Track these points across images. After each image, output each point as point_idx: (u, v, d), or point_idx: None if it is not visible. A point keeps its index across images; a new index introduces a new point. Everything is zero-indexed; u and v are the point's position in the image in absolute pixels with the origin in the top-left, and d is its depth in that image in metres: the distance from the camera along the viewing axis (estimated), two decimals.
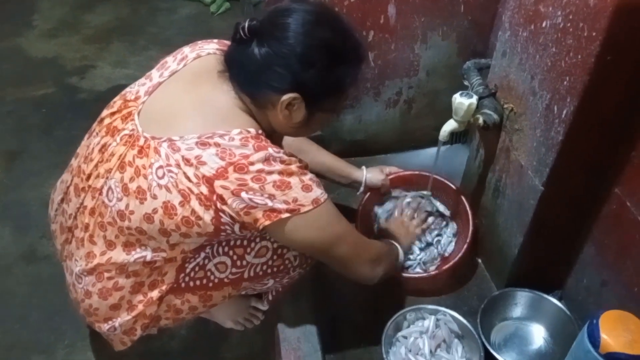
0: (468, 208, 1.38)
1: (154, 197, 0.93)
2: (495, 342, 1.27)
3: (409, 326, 1.25)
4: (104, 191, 0.99)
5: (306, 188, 0.93)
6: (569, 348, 1.14)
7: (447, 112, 1.74)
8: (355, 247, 1.06)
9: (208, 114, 0.94)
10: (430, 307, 1.27)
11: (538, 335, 1.28)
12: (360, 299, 1.36)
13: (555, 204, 1.13)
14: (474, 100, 1.17)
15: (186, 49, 1.05)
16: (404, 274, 1.31)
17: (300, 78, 0.91)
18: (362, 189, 1.44)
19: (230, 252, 1.06)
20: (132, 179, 0.95)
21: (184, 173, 0.90)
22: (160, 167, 0.92)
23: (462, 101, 1.17)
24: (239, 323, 1.35)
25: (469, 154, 1.47)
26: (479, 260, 1.47)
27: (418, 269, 1.36)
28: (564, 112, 0.99)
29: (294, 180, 0.91)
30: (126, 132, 0.98)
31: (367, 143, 1.76)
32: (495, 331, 1.29)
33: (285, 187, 0.91)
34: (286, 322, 1.24)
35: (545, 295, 1.26)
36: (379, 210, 1.49)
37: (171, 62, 1.04)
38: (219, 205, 0.90)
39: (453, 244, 1.42)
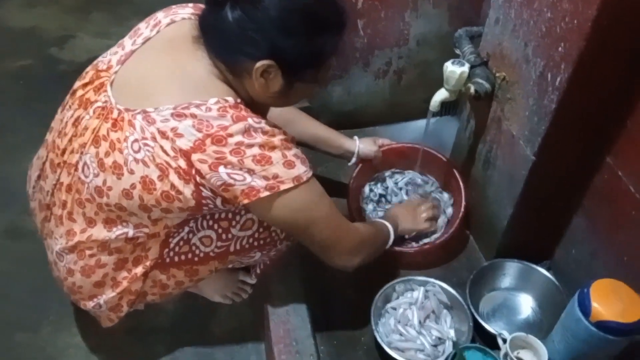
0: (460, 182, 1.36)
1: (131, 172, 0.89)
2: (484, 312, 1.27)
3: (398, 298, 1.25)
4: (80, 167, 0.95)
5: (288, 164, 0.89)
6: (557, 317, 1.14)
7: (437, 83, 1.71)
8: (336, 232, 1.01)
9: (183, 83, 0.90)
10: (419, 278, 1.26)
11: (526, 305, 1.28)
12: (350, 272, 1.35)
13: (547, 175, 1.12)
14: (465, 68, 1.14)
15: (159, 14, 1.00)
16: (396, 248, 1.29)
17: (276, 44, 0.86)
18: (354, 159, 1.41)
19: (215, 226, 1.03)
20: (107, 154, 0.91)
21: (161, 146, 0.86)
22: (136, 140, 0.88)
23: (453, 69, 1.14)
24: (227, 297, 1.34)
25: (459, 125, 1.44)
26: (468, 233, 1.46)
27: (413, 243, 1.35)
28: (558, 79, 0.96)
29: (275, 155, 0.88)
30: (99, 104, 0.94)
31: (356, 115, 1.73)
32: (484, 301, 1.29)
33: (266, 162, 0.87)
34: (275, 296, 1.22)
35: (534, 266, 1.26)
36: (367, 191, 1.47)
37: (144, 28, 0.99)
38: (198, 179, 0.87)
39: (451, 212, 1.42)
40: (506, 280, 1.29)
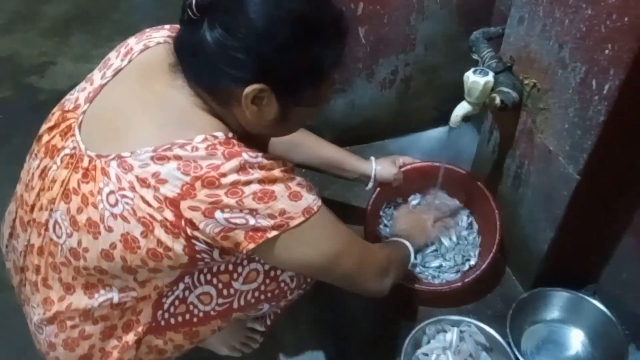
0: (495, 208, 1.20)
1: (109, 229, 0.75)
2: (527, 350, 1.13)
3: (429, 341, 1.10)
4: (50, 226, 0.81)
5: (294, 196, 0.75)
6: (611, 353, 1.00)
7: (447, 89, 1.58)
8: (360, 259, 0.90)
9: (163, 119, 0.75)
10: (451, 318, 1.11)
11: (575, 339, 1.13)
12: (368, 311, 1.21)
13: (593, 194, 0.97)
14: (490, 78, 0.99)
15: (131, 40, 0.86)
16: (423, 287, 1.15)
17: (266, 64, 0.71)
18: (371, 184, 1.25)
19: (214, 280, 0.89)
20: (79, 210, 0.77)
21: (141, 197, 0.72)
22: (112, 192, 0.73)
23: (476, 80, 0.99)
24: (235, 349, 1.19)
25: (479, 136, 1.30)
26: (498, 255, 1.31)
27: (435, 280, 1.20)
28: (606, 87, 0.82)
29: (278, 188, 0.74)
30: (67, 151, 0.79)
31: (362, 129, 1.58)
32: (526, 337, 1.14)
33: (269, 198, 0.73)
34: (287, 350, 1.09)
35: (583, 295, 1.12)
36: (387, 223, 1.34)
37: (114, 58, 0.84)
38: (189, 231, 0.73)
39: (476, 251, 1.26)
40: (550, 312, 1.15)
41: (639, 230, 1.02)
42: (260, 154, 0.74)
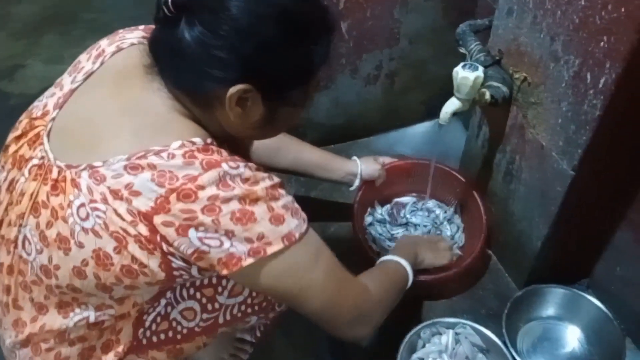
0: (479, 201, 1.19)
1: (80, 245, 0.70)
2: (523, 349, 1.10)
3: (424, 345, 1.07)
4: (19, 242, 0.76)
5: (276, 219, 0.69)
6: (608, 350, 0.98)
7: (434, 84, 1.55)
8: (334, 299, 0.78)
9: (138, 125, 0.70)
10: (446, 320, 1.08)
11: (572, 336, 1.11)
12: None
13: (588, 190, 0.95)
14: (480, 73, 0.96)
15: (103, 42, 0.80)
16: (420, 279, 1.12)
17: (251, 63, 0.67)
18: (357, 182, 1.23)
19: (198, 295, 0.84)
20: (49, 224, 0.71)
21: (114, 210, 0.67)
22: (82, 204, 0.68)
23: (466, 75, 0.95)
24: None
25: (468, 132, 1.27)
26: (490, 252, 1.28)
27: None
28: (602, 80, 0.79)
29: (259, 210, 0.68)
30: (35, 161, 0.73)
31: (348, 127, 1.54)
32: (522, 335, 1.12)
33: (248, 220, 0.67)
34: (279, 354, 1.05)
35: (579, 292, 1.10)
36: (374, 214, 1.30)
37: (85, 61, 0.79)
38: (165, 247, 0.68)
39: (462, 238, 1.24)
40: (546, 309, 1.13)
41: (635, 225, 1.00)
42: (242, 164, 0.69)
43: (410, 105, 1.57)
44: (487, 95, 1.00)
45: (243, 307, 0.89)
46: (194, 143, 0.68)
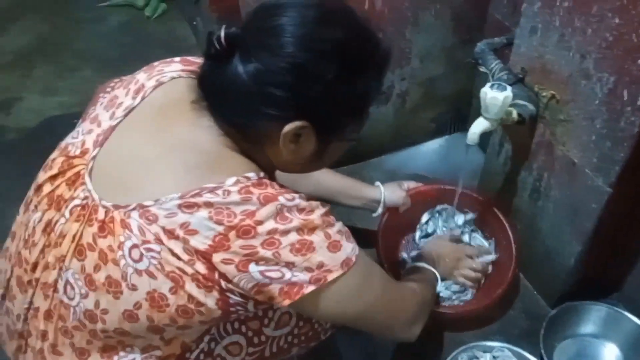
0: (508, 227, 1.16)
1: (133, 287, 0.67)
2: None
3: None
4: (60, 287, 0.72)
5: (334, 246, 0.69)
6: None
7: (443, 101, 1.55)
8: (393, 308, 0.83)
9: (189, 162, 0.68)
10: (482, 343, 1.06)
11: (609, 354, 1.10)
12: (392, 348, 1.14)
13: (624, 205, 0.94)
14: (509, 92, 0.95)
15: (140, 76, 0.78)
16: (447, 311, 1.10)
17: (307, 99, 0.66)
18: (380, 210, 1.20)
19: (243, 328, 0.81)
20: (97, 268, 0.68)
21: (170, 250, 0.65)
22: (135, 246, 0.66)
23: (495, 96, 0.94)
24: None
25: (488, 149, 1.26)
26: (518, 272, 1.27)
27: (455, 301, 1.15)
28: None
29: (317, 238, 0.67)
30: (77, 202, 0.70)
31: (359, 148, 1.52)
32: (557, 354, 1.10)
33: (307, 250, 0.67)
34: None
35: (617, 309, 1.09)
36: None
37: (123, 95, 0.76)
38: (223, 284, 0.66)
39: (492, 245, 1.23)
40: (581, 327, 1.11)
41: None
42: (296, 195, 0.68)
43: (420, 124, 1.56)
44: (515, 114, 0.99)
45: (290, 338, 0.86)
46: (248, 178, 0.66)
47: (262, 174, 0.68)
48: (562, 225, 1.06)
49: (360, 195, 1.19)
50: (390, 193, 1.20)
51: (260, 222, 0.64)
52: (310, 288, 0.67)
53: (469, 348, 1.05)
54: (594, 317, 1.10)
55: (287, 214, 0.65)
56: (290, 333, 0.86)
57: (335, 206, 1.36)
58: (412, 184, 1.26)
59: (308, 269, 0.67)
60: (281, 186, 0.69)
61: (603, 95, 0.85)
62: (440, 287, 1.09)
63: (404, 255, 1.26)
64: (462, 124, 1.60)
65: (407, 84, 1.43)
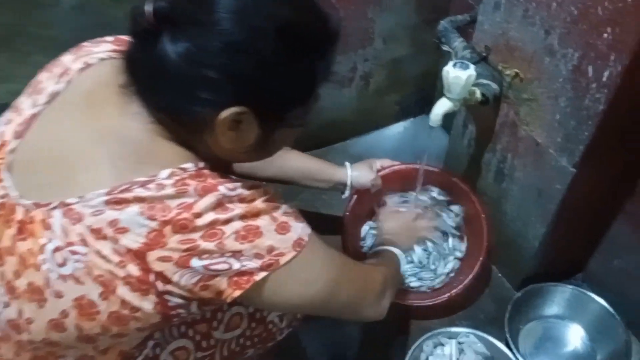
0: (481, 212, 1.11)
1: (58, 295, 0.60)
2: (526, 351, 1.07)
3: (427, 358, 1.02)
4: None
5: (282, 228, 0.64)
6: (611, 344, 0.97)
7: (408, 83, 1.51)
8: (358, 286, 0.80)
9: (118, 154, 0.61)
10: (448, 330, 1.04)
11: (573, 334, 1.09)
12: (358, 337, 1.11)
13: (589, 186, 0.92)
14: (472, 71, 0.91)
15: (66, 58, 0.70)
16: (415, 303, 1.07)
17: (245, 82, 0.59)
18: (347, 191, 1.14)
19: (190, 332, 0.76)
20: (17, 274, 0.61)
21: (97, 251, 0.58)
22: (58, 248, 0.59)
23: (458, 74, 0.91)
24: None
25: (452, 131, 1.23)
26: None
27: (423, 288, 1.12)
28: (605, 74, 0.76)
29: (263, 222, 0.62)
30: None
31: (322, 133, 1.48)
32: (523, 337, 1.10)
33: (254, 236, 0.61)
34: None
35: (578, 288, 1.08)
36: (368, 229, 1.24)
37: (46, 79, 0.68)
38: (160, 286, 0.60)
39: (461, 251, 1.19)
40: (545, 308, 1.10)
41: (633, 218, 0.99)
42: (239, 184, 0.62)
43: (385, 106, 1.52)
44: (478, 94, 0.96)
45: (242, 341, 0.81)
46: (184, 170, 0.60)
47: (201, 164, 0.62)
48: (527, 207, 1.04)
49: (326, 177, 1.13)
50: (358, 174, 1.13)
51: (198, 215, 0.58)
52: (261, 274, 0.62)
53: (434, 335, 1.03)
54: (558, 298, 1.09)
55: (228, 205, 0.59)
56: (242, 335, 0.81)
57: (301, 190, 1.34)
58: (386, 162, 1.19)
59: (257, 255, 0.61)
60: (224, 175, 0.63)
61: (567, 72, 0.83)
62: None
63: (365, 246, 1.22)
64: (428, 106, 1.52)
65: (370, 65, 1.39)
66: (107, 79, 0.64)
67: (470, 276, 1.07)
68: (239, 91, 0.59)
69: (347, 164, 1.15)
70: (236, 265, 0.61)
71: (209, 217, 0.58)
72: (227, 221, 0.59)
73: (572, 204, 0.95)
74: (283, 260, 0.63)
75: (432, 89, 1.53)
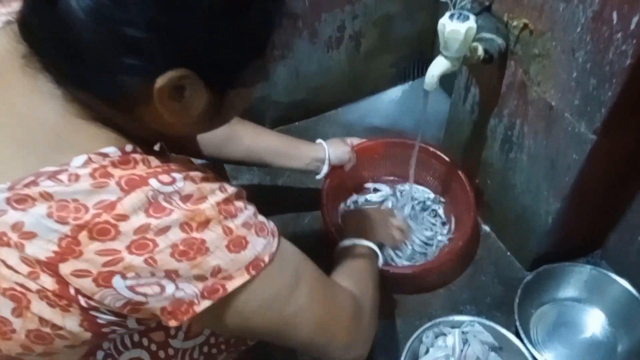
0: (464, 178, 1.05)
1: None
2: (537, 338, 0.97)
3: (428, 350, 0.92)
4: None
5: (236, 244, 0.51)
6: (635, 331, 0.86)
7: (404, 43, 1.36)
8: (326, 321, 0.63)
9: (22, 140, 0.49)
10: (450, 318, 0.93)
11: (591, 318, 0.98)
12: None
13: (611, 155, 0.80)
14: (472, 23, 0.78)
15: None
16: (394, 270, 0.98)
17: (182, 39, 0.46)
18: (325, 169, 1.03)
19: (145, 341, 0.65)
20: None
21: (1, 260, 0.47)
22: None
23: (455, 28, 0.77)
24: None
25: (453, 95, 1.09)
26: (488, 229, 1.14)
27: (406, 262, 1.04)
28: (634, 20, 0.62)
29: (211, 235, 0.49)
30: None
31: (312, 100, 1.35)
32: (534, 322, 0.99)
33: (197, 252, 0.49)
34: None
35: (603, 271, 0.96)
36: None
37: None
38: (83, 302, 0.49)
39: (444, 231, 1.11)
40: (561, 291, 0.99)
41: None
42: (180, 175, 0.49)
43: (379, 70, 1.38)
44: (480, 51, 0.82)
45: (206, 349, 0.70)
46: (105, 156, 0.47)
47: (129, 147, 0.50)
48: (538, 180, 0.91)
49: (300, 155, 1.01)
50: (334, 149, 1.03)
51: (123, 217, 0.46)
52: (204, 304, 0.50)
53: (435, 324, 0.92)
54: (574, 279, 0.98)
55: (164, 204, 0.47)
56: (205, 343, 0.69)
57: (270, 171, 1.23)
58: (355, 140, 1.11)
59: (199, 278, 0.49)
60: (164, 161, 0.50)
61: (587, 20, 0.69)
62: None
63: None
64: (426, 68, 1.42)
65: (360, 23, 1.24)
66: (11, 47, 0.51)
67: (462, 242, 0.99)
68: (175, 50, 0.46)
69: (320, 140, 1.05)
70: (170, 288, 0.49)
71: (137, 220, 0.46)
72: (163, 230, 0.47)
73: (592, 177, 0.83)
74: (231, 286, 0.51)
75: (431, 49, 1.38)
